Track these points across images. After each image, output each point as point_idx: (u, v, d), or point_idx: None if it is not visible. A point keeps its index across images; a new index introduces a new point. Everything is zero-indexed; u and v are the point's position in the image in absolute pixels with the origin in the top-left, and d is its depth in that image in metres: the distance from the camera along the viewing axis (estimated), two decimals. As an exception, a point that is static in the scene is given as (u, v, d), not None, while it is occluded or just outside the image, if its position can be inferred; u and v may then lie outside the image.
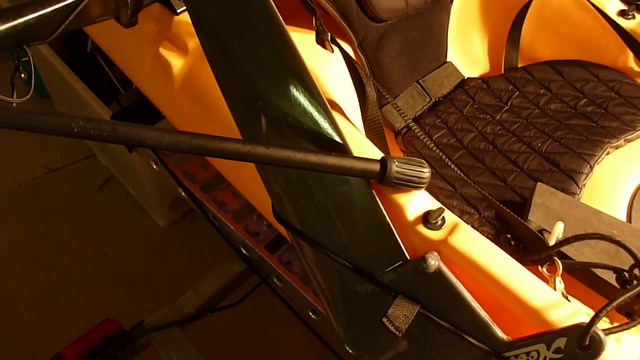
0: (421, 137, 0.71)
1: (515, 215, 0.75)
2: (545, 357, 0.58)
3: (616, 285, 0.69)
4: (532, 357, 0.59)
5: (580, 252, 0.74)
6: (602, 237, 0.63)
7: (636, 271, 0.63)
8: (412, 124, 0.75)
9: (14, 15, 0.65)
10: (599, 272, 0.72)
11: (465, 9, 1.25)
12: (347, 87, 0.88)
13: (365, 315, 0.70)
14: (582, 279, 0.75)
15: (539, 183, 0.86)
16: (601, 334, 0.55)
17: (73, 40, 1.52)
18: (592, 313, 0.56)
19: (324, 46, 0.87)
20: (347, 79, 0.89)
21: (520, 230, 0.75)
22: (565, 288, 0.68)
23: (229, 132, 0.69)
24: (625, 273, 0.67)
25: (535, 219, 0.79)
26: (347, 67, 0.88)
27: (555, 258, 0.68)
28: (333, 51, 0.86)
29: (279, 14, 0.70)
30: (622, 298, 0.55)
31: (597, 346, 0.55)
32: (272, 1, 0.70)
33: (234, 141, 0.57)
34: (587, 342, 0.55)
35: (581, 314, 0.60)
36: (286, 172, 0.71)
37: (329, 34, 0.85)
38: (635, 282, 0.63)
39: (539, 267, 0.69)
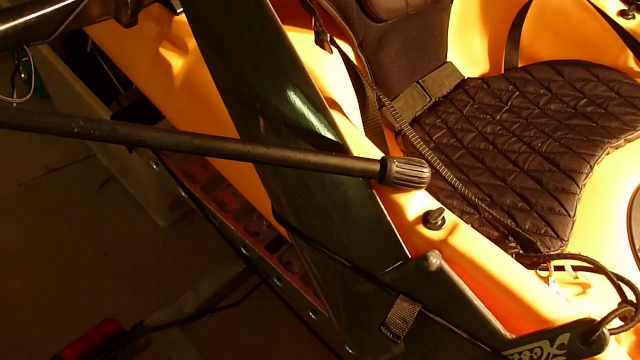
0: (416, 144, 0.71)
1: (506, 222, 0.75)
2: (549, 353, 0.58)
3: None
4: (536, 354, 0.59)
5: None
6: (591, 263, 0.64)
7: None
8: (408, 128, 0.74)
9: (14, 15, 0.64)
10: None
11: (465, 9, 1.25)
12: (346, 87, 0.88)
13: (367, 316, 0.70)
14: None
15: None
16: (606, 330, 0.55)
17: (73, 40, 1.51)
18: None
19: (323, 47, 0.86)
20: (346, 80, 0.89)
21: (517, 233, 0.76)
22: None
23: (229, 132, 0.69)
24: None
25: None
26: (346, 68, 0.88)
27: (549, 264, 0.68)
28: (332, 52, 0.86)
29: (275, 15, 0.70)
30: None
31: (601, 342, 0.55)
32: (269, 2, 0.70)
33: (234, 141, 0.57)
34: (594, 338, 0.55)
35: (579, 311, 0.60)
36: (285, 173, 0.71)
37: (328, 35, 0.85)
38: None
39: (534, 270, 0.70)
